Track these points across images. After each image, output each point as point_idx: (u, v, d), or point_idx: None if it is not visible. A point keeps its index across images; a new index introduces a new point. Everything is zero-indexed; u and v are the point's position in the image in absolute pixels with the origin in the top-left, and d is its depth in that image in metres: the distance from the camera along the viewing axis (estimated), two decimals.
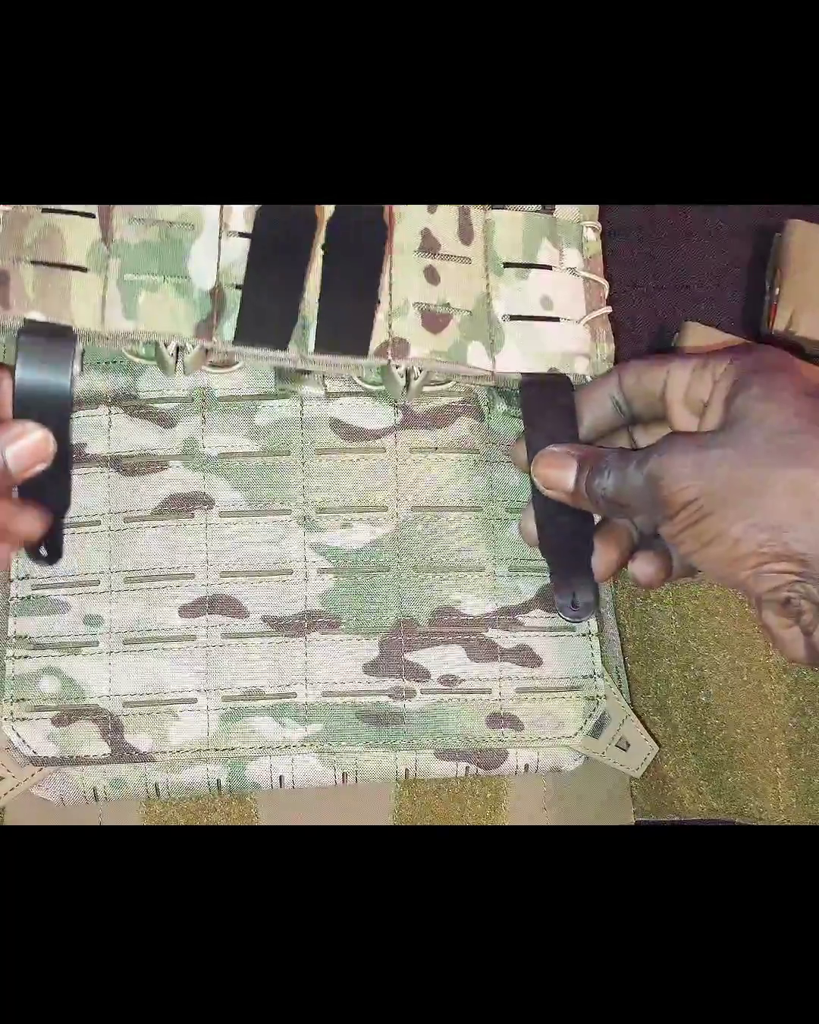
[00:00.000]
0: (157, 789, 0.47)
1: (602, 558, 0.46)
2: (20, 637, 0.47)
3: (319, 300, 0.45)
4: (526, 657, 0.48)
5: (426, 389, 0.48)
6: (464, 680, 0.47)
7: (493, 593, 0.48)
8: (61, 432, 0.44)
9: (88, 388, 0.48)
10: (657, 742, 0.49)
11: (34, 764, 0.46)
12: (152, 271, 0.45)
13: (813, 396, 0.40)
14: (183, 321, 0.45)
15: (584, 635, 0.49)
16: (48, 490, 0.45)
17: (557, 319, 0.48)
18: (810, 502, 0.39)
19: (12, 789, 0.46)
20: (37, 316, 0.45)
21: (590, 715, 0.48)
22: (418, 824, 0.49)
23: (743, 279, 0.56)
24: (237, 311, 0.45)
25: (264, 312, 0.45)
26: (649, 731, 0.49)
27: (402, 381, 0.47)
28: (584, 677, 0.48)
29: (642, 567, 0.46)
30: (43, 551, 0.46)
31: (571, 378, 0.48)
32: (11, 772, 0.46)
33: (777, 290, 0.54)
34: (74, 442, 0.47)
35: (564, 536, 0.46)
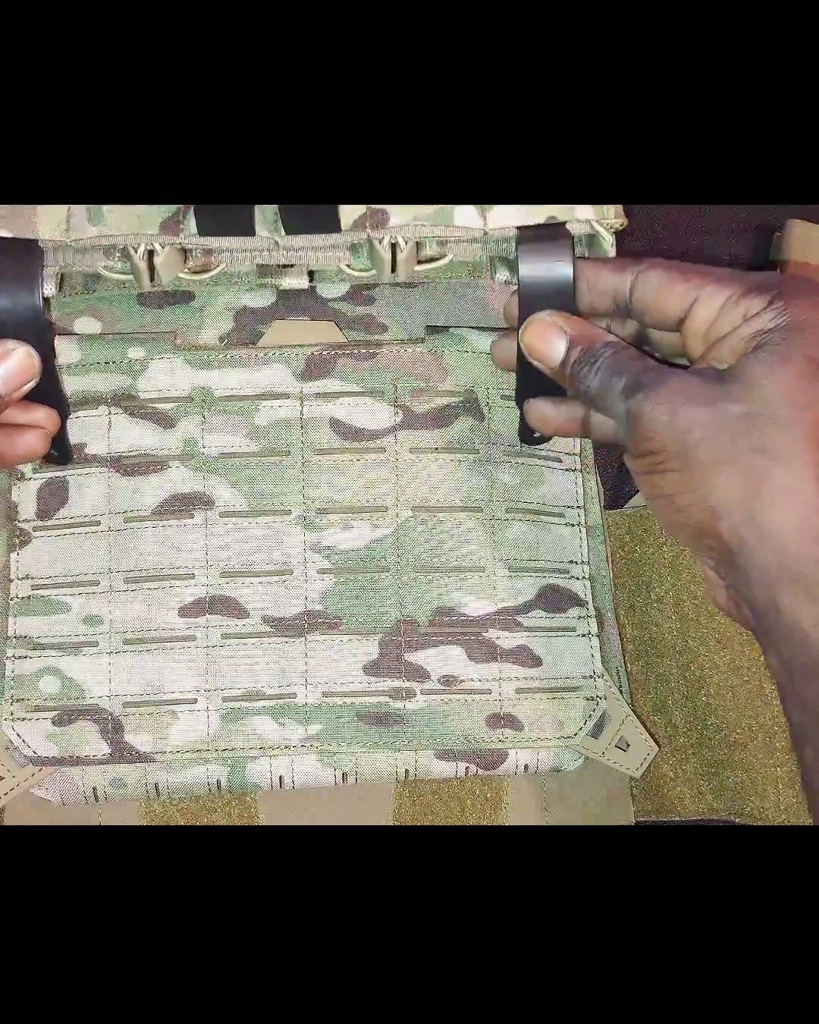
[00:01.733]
0: (157, 789, 0.47)
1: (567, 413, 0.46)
2: (20, 637, 0.47)
3: None
4: (526, 657, 0.48)
5: (420, 267, 0.46)
6: (464, 680, 0.47)
7: (493, 593, 0.48)
8: (41, 346, 0.44)
9: (88, 389, 0.48)
10: (657, 742, 0.49)
11: (34, 764, 0.46)
12: None
13: None
14: (148, 222, 0.44)
15: (584, 635, 0.49)
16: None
17: None
18: (753, 494, 0.37)
19: (12, 789, 0.46)
20: (2, 233, 0.43)
21: (590, 715, 0.48)
22: (418, 824, 0.49)
23: None
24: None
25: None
26: (649, 731, 0.49)
27: (388, 256, 0.44)
28: (584, 677, 0.48)
29: (543, 409, 0.46)
30: (53, 452, 0.46)
31: (575, 226, 0.44)
32: (11, 772, 0.46)
33: None
34: (74, 443, 0.48)
35: (538, 384, 0.46)
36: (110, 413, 0.48)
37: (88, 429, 0.48)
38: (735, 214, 0.56)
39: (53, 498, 0.48)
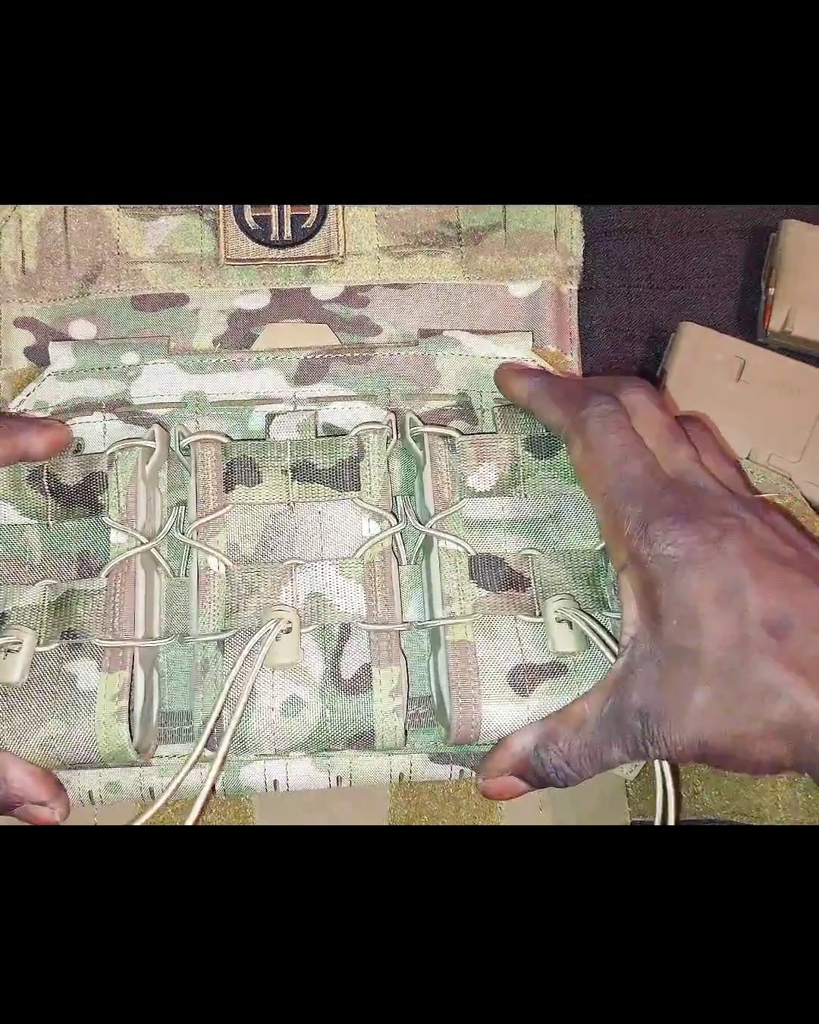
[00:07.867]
0: (151, 793, 0.47)
1: None
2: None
3: None
4: None
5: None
6: None
7: None
8: None
9: (82, 395, 0.48)
10: None
11: None
12: None
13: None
14: None
15: None
16: None
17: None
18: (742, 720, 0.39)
19: None
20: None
21: None
22: (413, 824, 0.49)
23: (739, 279, 0.56)
24: None
25: None
26: None
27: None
28: None
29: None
30: None
31: None
32: None
33: (772, 290, 0.53)
34: None
35: None
36: (105, 419, 0.48)
37: (84, 434, 0.48)
38: (731, 214, 0.56)
39: None
